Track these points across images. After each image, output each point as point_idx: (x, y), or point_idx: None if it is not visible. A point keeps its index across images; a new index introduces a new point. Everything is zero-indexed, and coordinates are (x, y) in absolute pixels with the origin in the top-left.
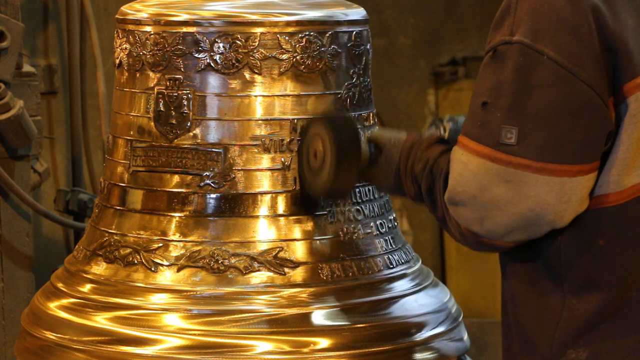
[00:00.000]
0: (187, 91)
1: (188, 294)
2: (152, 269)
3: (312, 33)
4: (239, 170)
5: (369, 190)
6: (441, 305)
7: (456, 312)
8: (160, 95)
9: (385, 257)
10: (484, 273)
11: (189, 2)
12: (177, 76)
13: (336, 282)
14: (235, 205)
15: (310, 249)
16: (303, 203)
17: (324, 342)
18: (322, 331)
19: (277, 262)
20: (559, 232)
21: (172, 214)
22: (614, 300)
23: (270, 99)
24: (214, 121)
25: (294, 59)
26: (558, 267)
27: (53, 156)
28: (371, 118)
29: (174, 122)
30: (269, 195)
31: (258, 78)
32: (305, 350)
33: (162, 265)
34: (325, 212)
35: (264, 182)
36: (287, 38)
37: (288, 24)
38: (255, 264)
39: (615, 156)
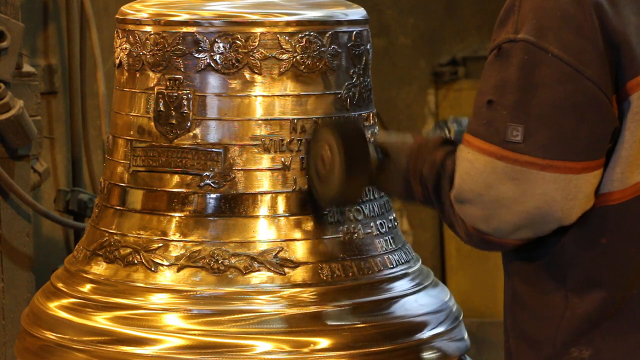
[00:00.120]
0: (187, 91)
1: (188, 294)
2: (152, 269)
3: (312, 33)
4: (239, 170)
5: (369, 190)
6: (441, 305)
7: (456, 312)
8: (160, 95)
9: (385, 257)
10: (484, 273)
11: (189, 2)
12: (177, 76)
13: (336, 282)
14: (235, 205)
15: (310, 249)
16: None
17: (324, 342)
18: (322, 331)
19: (277, 262)
20: (564, 230)
21: (172, 214)
22: (615, 298)
23: (270, 99)
24: (214, 121)
25: (294, 59)
26: (561, 266)
27: (53, 156)
28: (371, 118)
29: (174, 122)
30: (269, 195)
31: (258, 78)
32: (305, 350)
33: (162, 265)
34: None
35: (264, 182)
36: (287, 38)
37: (288, 24)
38: (255, 264)
39: (619, 154)
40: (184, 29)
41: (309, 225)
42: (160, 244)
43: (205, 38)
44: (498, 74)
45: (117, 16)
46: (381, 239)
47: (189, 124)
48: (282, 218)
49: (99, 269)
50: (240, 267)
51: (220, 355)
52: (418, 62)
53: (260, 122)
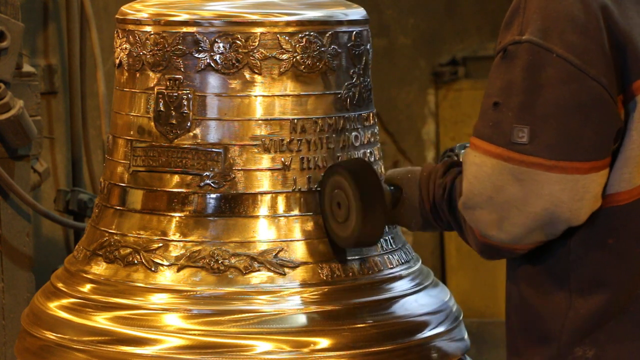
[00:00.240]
0: (187, 91)
1: (188, 294)
2: (152, 269)
3: (312, 33)
4: (239, 170)
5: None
6: (441, 305)
7: (456, 312)
8: (160, 95)
9: (385, 257)
10: (484, 273)
11: (189, 2)
12: (177, 76)
13: (336, 282)
14: (235, 205)
15: (310, 249)
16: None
17: (324, 342)
18: (322, 331)
19: (277, 262)
20: (570, 232)
21: (172, 214)
22: (620, 298)
23: (270, 99)
24: (214, 121)
25: (294, 59)
26: (565, 267)
27: (53, 156)
28: (371, 118)
29: (174, 122)
30: (269, 195)
31: (258, 78)
32: (305, 350)
33: (162, 265)
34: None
35: (264, 182)
36: (287, 38)
37: (288, 24)
38: (255, 264)
39: (626, 154)
40: (184, 29)
41: (309, 225)
42: (160, 244)
43: (205, 38)
44: (504, 75)
45: (117, 16)
46: (381, 239)
47: (189, 124)
48: (282, 218)
49: (99, 269)
50: (240, 267)
51: (220, 355)
52: (418, 62)
53: (260, 122)
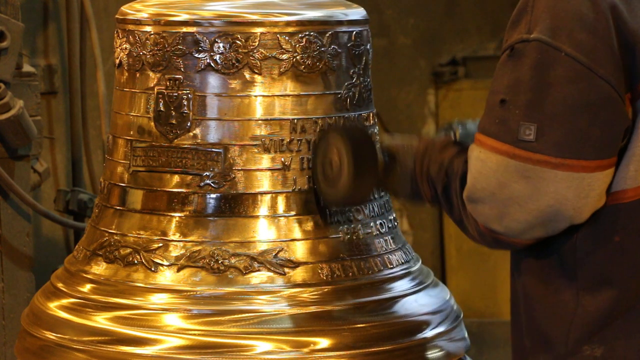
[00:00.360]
0: (187, 91)
1: (188, 294)
2: (152, 269)
3: (312, 33)
4: (239, 170)
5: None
6: (441, 305)
7: (456, 312)
8: (160, 95)
9: (385, 257)
10: (484, 273)
11: (189, 2)
12: (177, 76)
13: (336, 282)
14: (235, 205)
15: (310, 249)
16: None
17: (324, 342)
18: (322, 331)
19: (277, 262)
20: (575, 229)
21: (172, 214)
22: (627, 296)
23: (270, 99)
24: (214, 121)
25: (294, 59)
26: (572, 264)
27: (53, 156)
28: (371, 118)
29: (174, 122)
30: (269, 195)
31: (258, 78)
32: (305, 350)
33: (162, 265)
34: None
35: (264, 182)
36: (287, 38)
37: (288, 24)
38: (255, 264)
39: (632, 152)
40: (184, 29)
41: (309, 225)
42: (160, 244)
43: (205, 38)
44: (511, 73)
45: (117, 16)
46: (381, 239)
47: (189, 124)
48: (282, 218)
49: (99, 269)
50: (240, 267)
51: (220, 355)
52: (418, 62)
53: (260, 122)
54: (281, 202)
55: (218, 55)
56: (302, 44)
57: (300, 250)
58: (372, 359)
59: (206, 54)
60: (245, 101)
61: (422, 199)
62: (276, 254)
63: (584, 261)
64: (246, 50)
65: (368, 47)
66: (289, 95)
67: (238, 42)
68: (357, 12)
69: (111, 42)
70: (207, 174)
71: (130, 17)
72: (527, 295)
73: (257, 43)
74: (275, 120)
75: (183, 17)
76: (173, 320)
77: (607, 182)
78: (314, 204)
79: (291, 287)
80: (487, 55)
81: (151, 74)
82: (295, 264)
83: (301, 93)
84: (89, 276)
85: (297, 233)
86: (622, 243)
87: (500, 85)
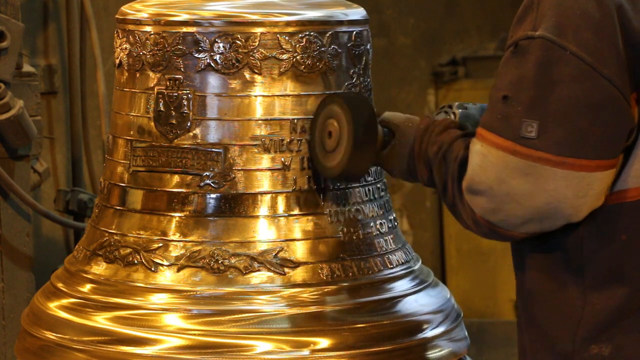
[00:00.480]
0: (187, 91)
1: (188, 294)
2: (152, 269)
3: (312, 33)
4: (239, 170)
5: (369, 190)
6: (441, 305)
7: (456, 312)
8: (160, 95)
9: (385, 257)
10: (484, 273)
11: (189, 2)
12: (177, 76)
13: (336, 282)
14: (235, 205)
15: (310, 249)
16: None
17: (324, 342)
18: (322, 331)
19: (277, 262)
20: (581, 226)
21: (172, 214)
22: (636, 295)
23: (270, 99)
24: (214, 121)
25: (294, 59)
26: (579, 262)
27: (53, 156)
28: None
29: (174, 122)
30: (269, 195)
31: (258, 78)
32: (305, 350)
33: (162, 265)
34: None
35: (264, 182)
36: (287, 38)
37: (288, 24)
38: (255, 264)
39: (637, 151)
40: (184, 29)
41: (309, 225)
42: (160, 244)
43: (205, 38)
44: (515, 70)
45: (117, 16)
46: (381, 239)
47: (189, 124)
48: (282, 218)
49: (99, 269)
50: (240, 267)
51: (220, 355)
52: (418, 62)
53: (260, 122)
54: (281, 202)
55: (218, 55)
56: (302, 44)
57: (300, 250)
58: (372, 359)
59: (206, 54)
60: (245, 101)
61: (416, 178)
62: (276, 254)
63: (591, 259)
64: (246, 50)
65: (368, 47)
66: (289, 95)
67: (238, 42)
68: (357, 12)
69: (111, 42)
70: (207, 174)
71: (130, 17)
72: (533, 292)
73: (257, 43)
74: (275, 120)
75: (183, 17)
76: (173, 320)
77: (607, 182)
78: (314, 204)
79: (291, 287)
80: (487, 55)
81: (151, 74)
82: (295, 264)
83: (301, 93)
84: (89, 276)
85: (297, 233)
86: (628, 241)
87: (503, 81)
